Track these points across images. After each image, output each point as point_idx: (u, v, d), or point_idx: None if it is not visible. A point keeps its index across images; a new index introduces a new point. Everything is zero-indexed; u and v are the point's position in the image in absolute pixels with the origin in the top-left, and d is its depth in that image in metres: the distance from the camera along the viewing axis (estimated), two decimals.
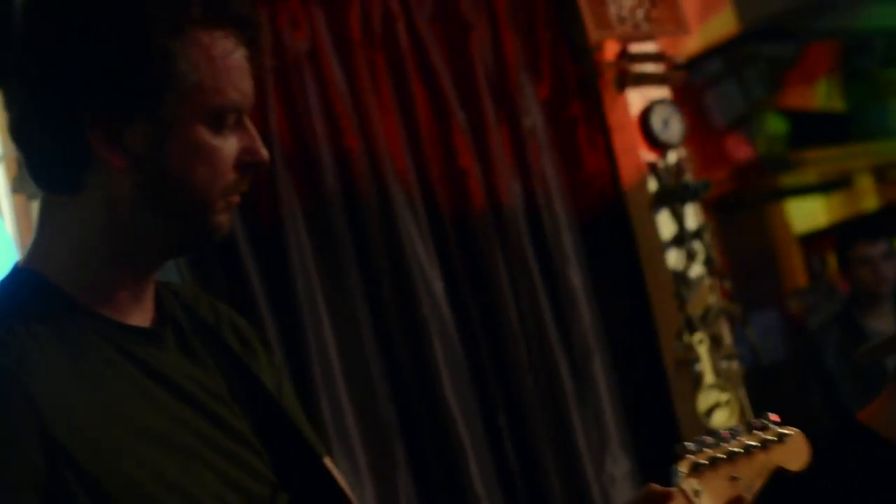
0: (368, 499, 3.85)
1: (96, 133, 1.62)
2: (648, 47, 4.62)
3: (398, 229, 4.04)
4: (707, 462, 1.89)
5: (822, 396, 5.46)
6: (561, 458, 4.19)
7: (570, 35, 4.51)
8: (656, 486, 1.83)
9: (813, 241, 7.36)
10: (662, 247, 4.51)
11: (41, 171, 1.67)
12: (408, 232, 4.05)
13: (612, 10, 4.49)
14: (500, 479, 4.08)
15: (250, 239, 3.81)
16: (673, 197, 4.52)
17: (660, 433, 4.36)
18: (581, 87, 4.53)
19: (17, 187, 3.67)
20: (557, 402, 4.23)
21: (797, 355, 6.27)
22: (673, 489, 1.84)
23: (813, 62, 7.60)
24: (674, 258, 4.52)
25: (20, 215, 3.66)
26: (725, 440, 1.93)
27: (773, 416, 2.00)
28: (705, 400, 4.41)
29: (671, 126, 4.58)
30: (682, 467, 1.87)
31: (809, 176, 7.40)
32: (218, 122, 1.64)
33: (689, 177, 4.57)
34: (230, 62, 1.65)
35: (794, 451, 2.00)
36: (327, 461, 1.87)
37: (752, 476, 1.94)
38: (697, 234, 4.53)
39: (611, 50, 4.55)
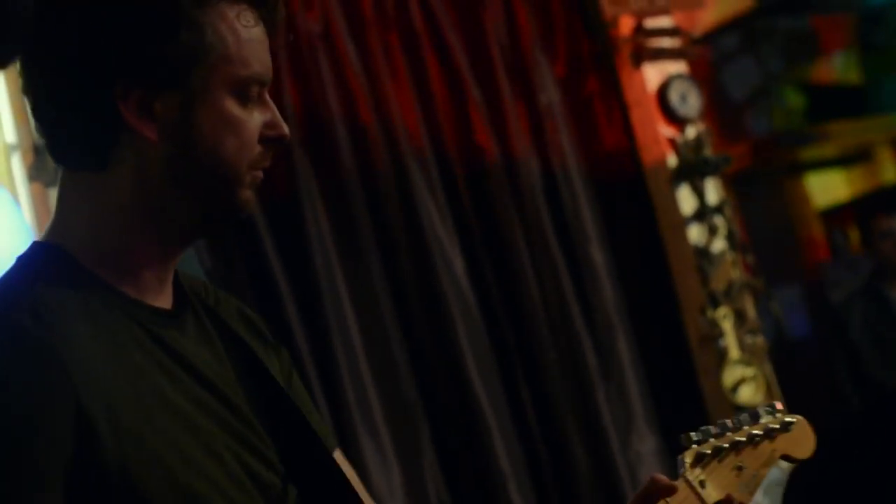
0: (394, 478, 3.84)
1: (128, 104, 1.61)
2: (664, 22, 4.60)
3: (416, 208, 4.02)
4: (711, 452, 1.87)
5: (848, 369, 5.46)
6: (586, 436, 4.18)
7: (585, 11, 4.49)
8: (660, 477, 1.82)
9: (834, 215, 7.33)
10: (683, 222, 4.49)
11: (69, 149, 1.66)
12: (426, 210, 4.04)
13: None
14: (526, 456, 4.07)
15: (268, 219, 3.80)
16: (693, 172, 4.50)
17: (686, 409, 4.34)
18: (597, 63, 4.51)
19: (34, 175, 3.66)
20: (581, 379, 4.22)
21: (821, 329, 6.26)
22: (676, 481, 1.83)
23: (829, 35, 7.56)
24: (695, 233, 4.49)
25: (38, 204, 3.66)
26: (730, 430, 1.92)
27: (778, 405, 1.98)
28: (731, 375, 4.39)
29: (689, 100, 4.56)
30: (687, 458, 1.86)
31: (829, 150, 7.35)
32: (244, 95, 1.65)
33: (708, 151, 4.55)
34: (253, 35, 1.66)
35: (800, 439, 1.98)
36: (338, 454, 1.86)
37: (757, 465, 1.93)
38: (718, 209, 4.51)
39: (626, 25, 4.54)
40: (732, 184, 4.77)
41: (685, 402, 4.40)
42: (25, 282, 1.62)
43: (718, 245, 4.50)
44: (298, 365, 3.52)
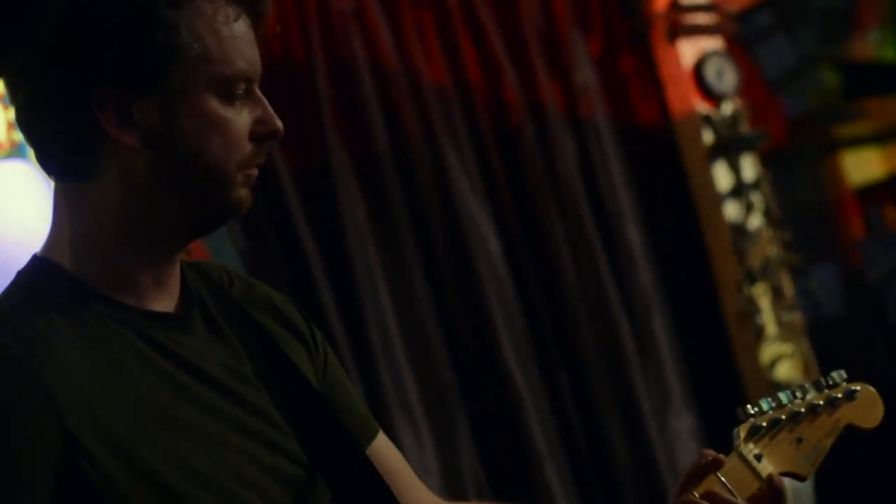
0: (430, 462, 3.83)
1: (105, 113, 1.58)
2: None
3: (450, 188, 4.00)
4: (768, 424, 1.84)
5: (887, 348, 5.43)
6: (623, 415, 4.16)
7: None
8: (710, 452, 1.80)
9: (870, 193, 7.28)
10: (720, 199, 4.46)
11: (53, 161, 1.64)
12: (461, 190, 4.02)
13: None
14: (563, 437, 4.05)
15: (302, 204, 3.78)
16: (729, 148, 4.48)
17: (723, 387, 4.32)
18: (632, 41, 4.49)
19: None
20: (618, 358, 4.20)
21: (857, 307, 6.22)
22: (724, 457, 1.79)
23: (864, 12, 7.51)
24: (731, 210, 4.47)
25: None
26: (790, 401, 1.87)
27: (842, 373, 1.94)
28: (768, 352, 4.37)
29: (725, 77, 4.53)
30: (742, 431, 1.83)
31: (864, 127, 7.30)
32: (228, 93, 1.61)
33: (744, 128, 4.52)
34: (235, 31, 1.62)
35: (866, 408, 1.93)
36: (381, 437, 1.85)
37: (819, 436, 1.88)
38: (755, 185, 4.48)
39: (661, 1, 4.51)
40: (768, 162, 4.73)
41: (722, 380, 4.38)
42: (14, 300, 1.61)
43: (755, 221, 4.48)
44: (333, 345, 3.51)
